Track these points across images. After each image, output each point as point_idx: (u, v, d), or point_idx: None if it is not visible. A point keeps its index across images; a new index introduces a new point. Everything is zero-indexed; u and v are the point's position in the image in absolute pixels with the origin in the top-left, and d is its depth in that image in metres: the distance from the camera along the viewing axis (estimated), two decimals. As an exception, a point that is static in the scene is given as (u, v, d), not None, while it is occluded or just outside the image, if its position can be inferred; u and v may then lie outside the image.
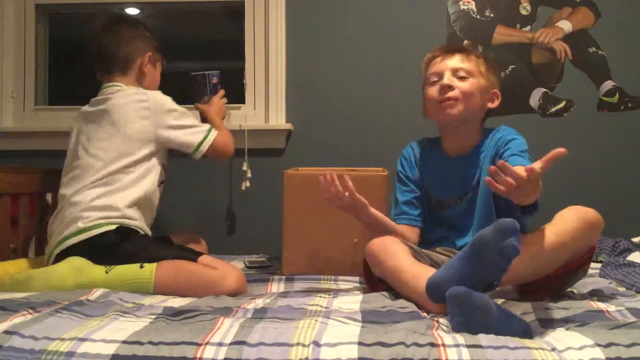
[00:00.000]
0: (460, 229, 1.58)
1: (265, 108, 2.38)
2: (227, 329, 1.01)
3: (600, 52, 2.32)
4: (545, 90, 2.33)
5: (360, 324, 1.06)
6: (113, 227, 1.58)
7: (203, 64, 2.20)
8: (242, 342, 0.95)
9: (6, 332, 0.99)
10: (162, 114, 1.71)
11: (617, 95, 2.31)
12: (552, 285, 1.33)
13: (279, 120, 2.35)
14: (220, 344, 0.95)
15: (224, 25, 2.70)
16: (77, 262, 1.51)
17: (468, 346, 0.92)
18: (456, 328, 1.02)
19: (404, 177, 1.68)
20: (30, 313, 1.12)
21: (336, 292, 1.47)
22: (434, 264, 1.40)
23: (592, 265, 1.46)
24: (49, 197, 2.07)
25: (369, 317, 1.12)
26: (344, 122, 2.35)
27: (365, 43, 2.36)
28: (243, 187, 2.27)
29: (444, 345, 0.93)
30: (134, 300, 1.35)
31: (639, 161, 2.29)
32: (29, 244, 1.95)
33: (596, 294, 1.36)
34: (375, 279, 1.46)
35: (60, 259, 1.55)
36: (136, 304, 1.30)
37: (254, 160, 2.29)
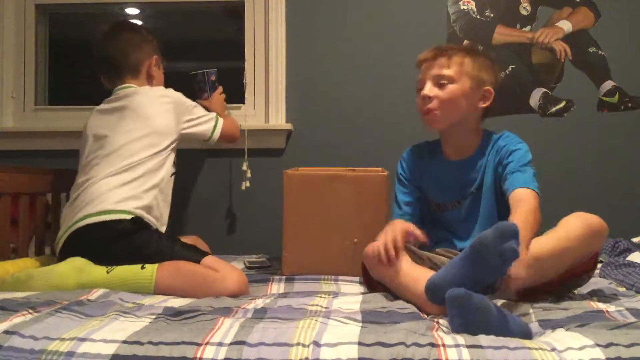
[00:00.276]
0: (460, 231, 1.59)
1: (265, 108, 2.38)
2: (227, 329, 1.01)
3: (600, 52, 2.32)
4: (545, 90, 2.33)
5: (360, 324, 1.06)
6: (130, 216, 1.62)
7: (203, 64, 2.20)
8: (242, 342, 0.95)
9: (6, 332, 1.00)
10: (183, 108, 1.86)
11: (617, 95, 2.31)
12: (554, 290, 1.33)
13: (279, 120, 2.35)
14: (220, 344, 0.95)
15: (223, 25, 2.70)
16: (77, 262, 1.51)
17: (468, 346, 0.93)
18: (456, 329, 1.02)
19: (404, 179, 1.68)
20: (30, 313, 1.12)
21: (336, 292, 1.47)
22: (434, 266, 1.40)
23: (592, 265, 1.46)
24: (49, 197, 2.07)
25: (369, 318, 1.13)
26: (344, 122, 2.35)
27: (365, 43, 2.36)
28: (243, 187, 2.27)
29: (444, 345, 0.93)
30: (134, 300, 1.35)
31: (639, 161, 2.29)
32: (29, 244, 1.95)
33: (596, 294, 1.36)
34: (374, 282, 1.46)
35: (71, 241, 1.59)
36: (136, 304, 1.30)
37: (254, 160, 2.28)
